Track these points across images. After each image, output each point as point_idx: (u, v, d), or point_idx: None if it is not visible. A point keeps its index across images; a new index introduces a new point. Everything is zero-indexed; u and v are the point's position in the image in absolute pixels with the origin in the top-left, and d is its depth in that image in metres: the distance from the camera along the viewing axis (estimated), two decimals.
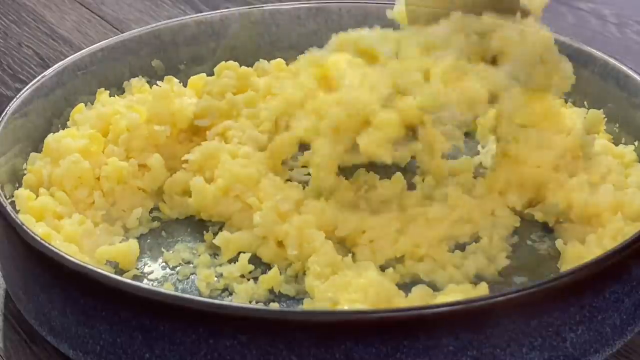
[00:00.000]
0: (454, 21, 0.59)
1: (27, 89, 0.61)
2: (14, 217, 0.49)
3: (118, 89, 0.67)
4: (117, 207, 0.58)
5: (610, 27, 0.88)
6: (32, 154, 0.59)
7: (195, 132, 0.63)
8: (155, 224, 0.57)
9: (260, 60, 0.70)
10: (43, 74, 0.63)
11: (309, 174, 0.58)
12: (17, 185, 0.57)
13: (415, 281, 0.52)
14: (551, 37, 0.59)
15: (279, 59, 0.69)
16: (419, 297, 0.48)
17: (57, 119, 0.63)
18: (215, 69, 0.66)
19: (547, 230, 0.56)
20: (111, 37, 0.70)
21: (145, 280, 0.53)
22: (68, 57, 0.66)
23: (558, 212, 0.58)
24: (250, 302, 0.51)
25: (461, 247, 0.54)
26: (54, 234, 0.52)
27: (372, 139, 0.54)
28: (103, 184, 0.58)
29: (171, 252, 0.55)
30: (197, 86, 0.66)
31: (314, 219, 0.53)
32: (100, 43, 0.68)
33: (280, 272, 0.52)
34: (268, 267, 0.53)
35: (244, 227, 0.55)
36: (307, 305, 0.50)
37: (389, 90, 0.55)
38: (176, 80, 0.66)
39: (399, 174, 0.59)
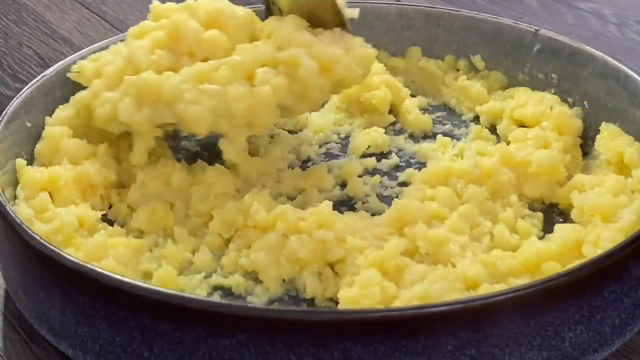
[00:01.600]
0: None
1: (27, 89, 0.61)
2: (14, 216, 0.49)
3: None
4: (115, 208, 0.58)
5: (610, 27, 0.88)
6: (18, 160, 0.58)
7: None
8: (156, 222, 0.57)
9: None
10: (43, 74, 0.63)
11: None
12: (18, 184, 0.57)
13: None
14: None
15: None
16: (418, 297, 0.48)
17: None
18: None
19: (548, 230, 0.56)
20: (111, 37, 0.70)
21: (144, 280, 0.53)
22: (68, 57, 0.66)
23: (558, 212, 0.58)
24: (249, 301, 0.51)
25: (461, 247, 0.54)
26: (53, 235, 0.52)
27: None
28: (98, 189, 0.58)
29: (171, 251, 0.55)
30: None
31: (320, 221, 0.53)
32: (100, 43, 0.68)
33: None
34: None
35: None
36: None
37: None
38: None
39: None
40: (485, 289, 0.48)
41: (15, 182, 0.57)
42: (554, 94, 0.66)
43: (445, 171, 0.58)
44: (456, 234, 0.53)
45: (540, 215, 0.57)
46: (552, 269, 0.49)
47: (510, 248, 0.53)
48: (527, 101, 0.66)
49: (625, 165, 0.58)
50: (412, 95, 0.71)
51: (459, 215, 0.55)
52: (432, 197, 0.57)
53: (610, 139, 0.60)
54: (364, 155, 0.64)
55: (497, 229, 0.54)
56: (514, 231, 0.55)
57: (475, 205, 0.56)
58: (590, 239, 0.51)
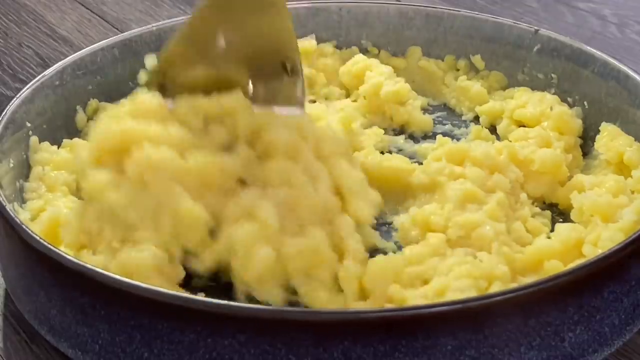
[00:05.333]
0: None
1: (27, 89, 0.61)
2: (14, 216, 0.49)
3: (117, 90, 0.68)
4: None
5: (610, 27, 0.88)
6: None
7: None
8: None
9: None
10: (43, 74, 0.63)
11: None
12: (18, 184, 0.57)
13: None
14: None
15: None
16: (418, 297, 0.48)
17: (58, 119, 0.63)
18: None
19: None
20: (111, 37, 0.70)
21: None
22: (68, 57, 0.66)
23: (558, 212, 0.58)
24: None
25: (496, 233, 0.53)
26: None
27: None
28: None
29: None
30: None
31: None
32: (100, 43, 0.68)
33: None
34: None
35: None
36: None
37: None
38: None
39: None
40: (486, 289, 0.48)
41: (15, 182, 0.57)
42: (554, 94, 0.66)
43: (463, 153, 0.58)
44: (456, 235, 0.53)
45: (548, 213, 0.57)
46: (554, 267, 0.49)
47: (524, 246, 0.53)
48: (527, 101, 0.66)
49: (625, 166, 0.58)
50: None
51: (459, 215, 0.54)
52: (432, 199, 0.56)
53: (610, 139, 0.60)
54: None
55: (515, 226, 0.54)
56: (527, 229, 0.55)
57: (475, 206, 0.55)
58: (590, 238, 0.51)
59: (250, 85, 0.57)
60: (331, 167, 0.54)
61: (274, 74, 0.58)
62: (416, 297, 0.48)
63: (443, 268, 0.50)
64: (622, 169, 0.58)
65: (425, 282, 0.49)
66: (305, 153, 0.53)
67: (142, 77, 0.58)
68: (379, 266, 0.49)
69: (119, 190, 0.51)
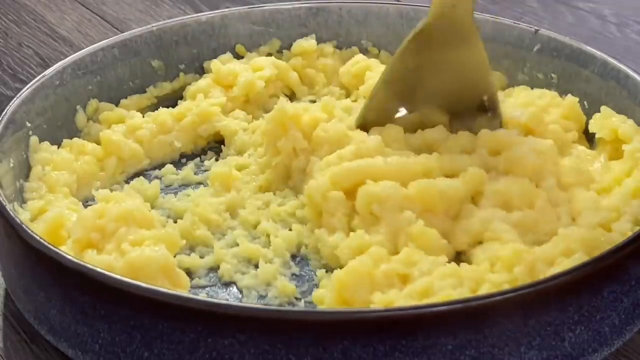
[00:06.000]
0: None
1: (27, 89, 0.61)
2: (14, 216, 0.49)
3: (117, 90, 0.68)
4: None
5: (610, 27, 0.88)
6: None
7: None
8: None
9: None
10: (43, 74, 0.63)
11: None
12: (18, 184, 0.57)
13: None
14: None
15: None
16: (403, 297, 0.48)
17: (58, 119, 0.63)
18: None
19: None
20: (111, 37, 0.70)
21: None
22: (68, 57, 0.66)
23: None
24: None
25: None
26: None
27: None
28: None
29: None
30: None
31: None
32: (100, 43, 0.68)
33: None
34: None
35: None
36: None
37: None
38: None
39: None
40: (486, 290, 0.48)
41: (15, 182, 0.57)
42: None
43: None
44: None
45: None
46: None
47: None
48: (527, 100, 0.65)
49: (620, 143, 0.58)
50: None
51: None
52: None
53: (604, 118, 0.60)
54: None
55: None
56: None
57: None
58: None
59: (449, 126, 0.59)
60: (571, 196, 0.54)
61: (473, 112, 0.59)
62: (401, 298, 0.47)
63: (417, 262, 0.50)
64: (618, 148, 0.58)
65: (404, 279, 0.49)
66: (549, 179, 0.54)
67: (350, 123, 0.60)
68: (352, 273, 0.49)
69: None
